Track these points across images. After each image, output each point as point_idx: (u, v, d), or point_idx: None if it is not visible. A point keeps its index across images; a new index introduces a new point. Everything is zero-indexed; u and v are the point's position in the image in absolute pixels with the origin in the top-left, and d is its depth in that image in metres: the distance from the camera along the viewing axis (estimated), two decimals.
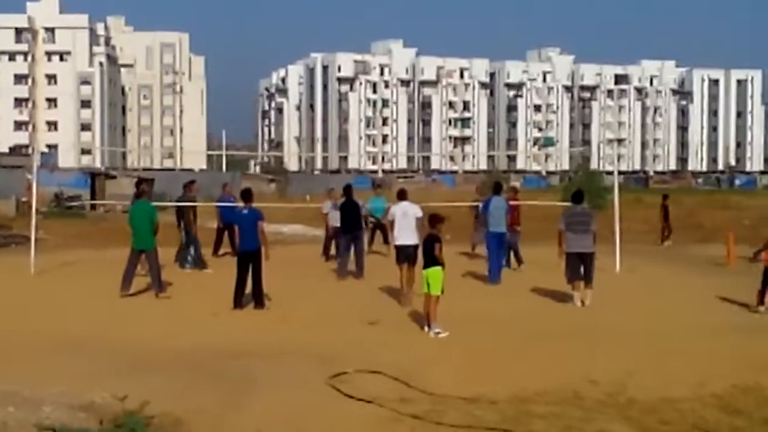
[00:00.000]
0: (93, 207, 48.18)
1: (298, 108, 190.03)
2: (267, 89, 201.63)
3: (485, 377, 11.07)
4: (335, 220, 23.31)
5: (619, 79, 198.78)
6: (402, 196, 18.67)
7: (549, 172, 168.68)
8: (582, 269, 17.33)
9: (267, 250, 16.69)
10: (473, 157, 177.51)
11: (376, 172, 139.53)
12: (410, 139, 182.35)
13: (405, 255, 17.35)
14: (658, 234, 32.84)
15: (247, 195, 17.37)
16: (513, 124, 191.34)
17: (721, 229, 31.19)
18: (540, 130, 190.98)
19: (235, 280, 16.69)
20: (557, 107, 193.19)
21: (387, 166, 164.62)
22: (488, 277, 20.56)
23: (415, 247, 16.94)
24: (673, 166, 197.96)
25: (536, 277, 20.22)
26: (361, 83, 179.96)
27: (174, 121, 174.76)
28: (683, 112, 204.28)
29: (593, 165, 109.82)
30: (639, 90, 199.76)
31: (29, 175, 34.18)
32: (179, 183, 26.10)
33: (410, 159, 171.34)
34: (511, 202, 23.16)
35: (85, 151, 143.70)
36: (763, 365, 11.66)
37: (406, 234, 17.55)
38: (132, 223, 18.62)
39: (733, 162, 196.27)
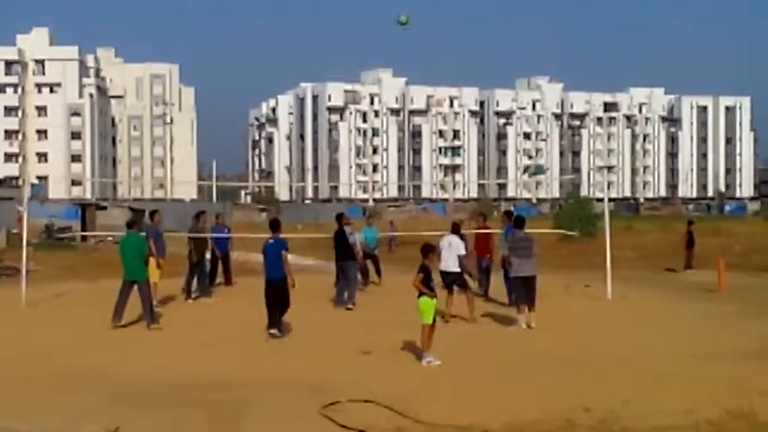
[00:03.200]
0: (84, 238, 48.07)
1: (289, 138, 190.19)
2: (257, 119, 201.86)
3: (478, 406, 11.05)
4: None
5: (609, 106, 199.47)
6: (455, 229, 19.95)
7: (539, 200, 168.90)
8: (526, 293, 17.81)
9: (292, 279, 16.98)
10: (464, 185, 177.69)
11: (366, 200, 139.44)
12: (401, 167, 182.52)
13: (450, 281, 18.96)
14: (681, 259, 32.61)
15: (275, 225, 17.70)
16: (503, 152, 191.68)
17: (711, 255, 31.20)
18: (530, 157, 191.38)
19: (267, 310, 16.91)
20: (547, 135, 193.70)
21: (378, 195, 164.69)
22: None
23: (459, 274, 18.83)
24: (663, 193, 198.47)
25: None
26: (351, 113, 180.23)
27: (164, 152, 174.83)
28: (673, 139, 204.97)
29: (583, 192, 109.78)
30: (628, 117, 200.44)
31: (20, 207, 34.14)
32: (171, 213, 26.11)
33: (401, 188, 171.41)
34: (481, 230, 23.39)
35: (76, 183, 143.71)
36: (756, 390, 11.65)
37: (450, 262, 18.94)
38: (122, 255, 18.59)
39: (722, 188, 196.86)
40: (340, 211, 28.44)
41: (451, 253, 18.84)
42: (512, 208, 36.04)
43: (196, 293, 23.20)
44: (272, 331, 16.65)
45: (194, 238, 23.63)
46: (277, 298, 16.86)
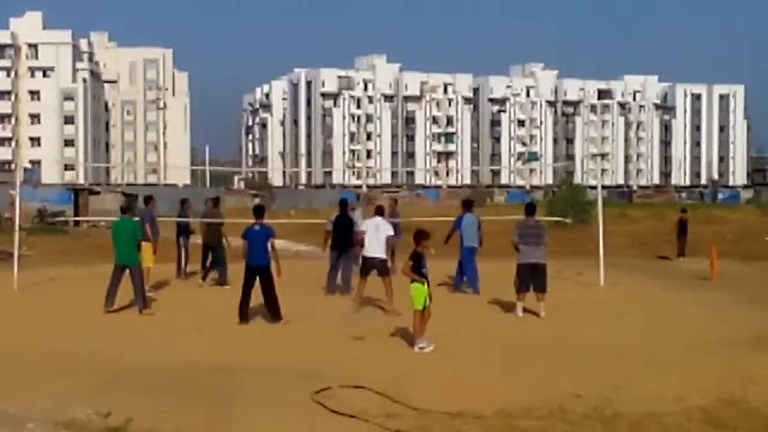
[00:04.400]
0: (76, 223, 48.01)
1: (282, 123, 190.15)
2: (251, 104, 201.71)
3: (470, 392, 11.04)
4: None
5: (603, 94, 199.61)
6: (379, 211, 19.72)
7: (533, 187, 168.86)
8: (533, 281, 17.78)
9: (279, 267, 16.84)
10: (457, 172, 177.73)
11: (360, 187, 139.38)
12: (394, 154, 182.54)
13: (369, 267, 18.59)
14: (674, 247, 32.62)
15: (259, 211, 17.66)
16: (497, 139, 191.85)
17: (704, 243, 31.25)
18: (524, 144, 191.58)
19: (241, 294, 16.85)
20: (541, 122, 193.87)
21: (371, 181, 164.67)
22: (463, 289, 21.39)
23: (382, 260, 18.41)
24: (656, 181, 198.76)
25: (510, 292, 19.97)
26: (344, 99, 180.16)
27: (158, 137, 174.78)
28: (666, 127, 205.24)
29: (577, 179, 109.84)
30: (622, 105, 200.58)
31: (12, 191, 34.03)
32: (164, 198, 26.11)
33: (394, 174, 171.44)
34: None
35: (69, 167, 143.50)
36: (747, 377, 11.67)
37: (374, 247, 18.52)
38: (115, 240, 18.52)
39: (716, 176, 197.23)
40: (342, 196, 28.37)
41: (378, 236, 18.57)
42: (530, 200, 35.73)
43: (212, 279, 23.13)
44: (244, 322, 16.61)
45: (207, 224, 23.87)
46: (264, 286, 16.77)
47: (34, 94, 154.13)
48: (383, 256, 18.46)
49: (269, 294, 16.83)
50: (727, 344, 14.38)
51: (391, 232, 18.75)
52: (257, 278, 16.83)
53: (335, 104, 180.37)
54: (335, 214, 22.23)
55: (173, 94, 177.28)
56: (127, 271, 18.19)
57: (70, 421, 9.31)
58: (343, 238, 21.53)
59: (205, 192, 66.39)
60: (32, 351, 13.81)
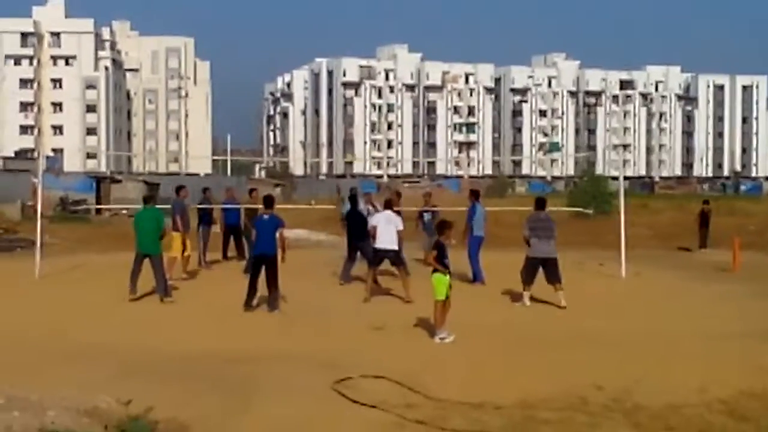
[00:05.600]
0: (98, 211, 48.15)
1: (303, 113, 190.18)
2: (272, 94, 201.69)
3: (490, 383, 11.03)
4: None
5: (625, 84, 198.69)
6: (389, 205, 19.63)
7: (554, 177, 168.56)
8: (546, 274, 17.82)
9: (284, 254, 16.90)
10: (478, 162, 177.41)
11: (381, 176, 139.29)
12: (415, 144, 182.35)
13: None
14: (696, 238, 32.48)
15: (269, 201, 17.75)
16: (518, 129, 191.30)
17: (726, 234, 31.09)
18: (545, 135, 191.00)
19: (248, 282, 17.00)
20: (562, 112, 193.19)
21: (392, 171, 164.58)
22: (475, 280, 21.20)
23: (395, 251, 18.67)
24: (678, 172, 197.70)
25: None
26: (366, 88, 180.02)
27: (179, 126, 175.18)
28: (689, 118, 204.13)
29: (598, 170, 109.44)
30: (644, 95, 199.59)
31: (35, 179, 34.21)
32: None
33: (415, 164, 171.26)
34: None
35: (91, 156, 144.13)
36: None
37: (386, 240, 18.71)
38: (137, 229, 18.55)
39: (738, 168, 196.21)
40: (353, 186, 28.45)
41: (389, 229, 18.69)
42: (542, 194, 35.43)
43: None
44: (249, 309, 16.78)
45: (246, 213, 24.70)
46: (268, 274, 16.85)
47: (57, 83, 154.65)
48: (395, 247, 18.63)
49: (272, 283, 16.90)
50: (749, 336, 14.31)
51: (401, 226, 18.82)
52: (264, 265, 16.94)
53: (356, 94, 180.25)
54: (347, 209, 22.36)
55: (195, 83, 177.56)
56: (148, 259, 18.23)
57: (91, 409, 9.33)
58: (356, 232, 21.43)
59: (226, 180, 66.48)
60: (53, 339, 13.87)
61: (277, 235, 16.98)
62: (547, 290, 17.87)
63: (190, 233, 22.41)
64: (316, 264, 24.88)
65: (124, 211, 43.98)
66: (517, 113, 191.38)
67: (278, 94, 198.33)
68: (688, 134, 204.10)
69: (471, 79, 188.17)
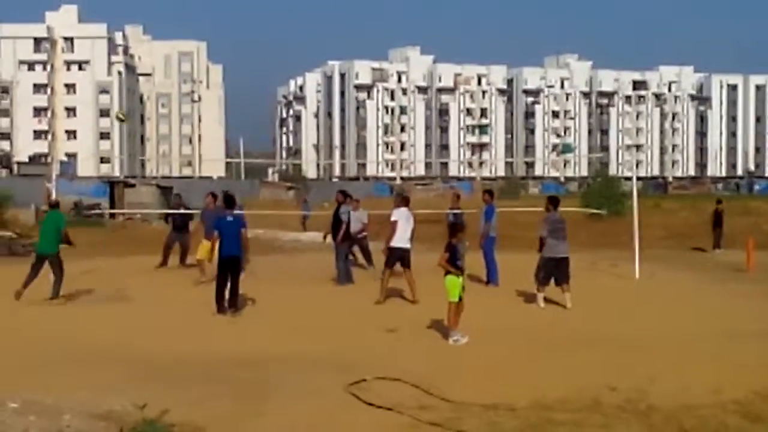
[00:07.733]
0: (112, 215, 48.25)
1: (316, 115, 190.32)
2: (285, 97, 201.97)
3: (504, 384, 11.02)
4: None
5: (637, 85, 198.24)
6: (406, 202, 19.43)
7: (567, 178, 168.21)
8: (557, 274, 17.78)
9: (248, 256, 16.87)
10: (491, 164, 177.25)
11: (394, 179, 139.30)
12: (428, 146, 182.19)
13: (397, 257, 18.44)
14: (709, 239, 32.42)
15: (230, 201, 17.68)
16: (531, 131, 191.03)
17: (740, 234, 31.02)
18: (558, 136, 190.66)
19: (216, 285, 16.92)
20: (575, 113, 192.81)
21: (405, 173, 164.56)
22: (490, 281, 21.13)
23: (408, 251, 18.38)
24: (692, 172, 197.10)
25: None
26: (378, 90, 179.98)
27: (192, 130, 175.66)
28: (702, 118, 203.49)
29: (612, 171, 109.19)
30: (657, 96, 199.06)
31: (49, 184, 34.27)
32: (198, 191, 26.21)
33: (428, 166, 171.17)
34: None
35: (104, 160, 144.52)
36: None
37: (404, 238, 18.45)
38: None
39: (752, 167, 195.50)
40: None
41: (408, 228, 18.56)
42: (554, 194, 35.30)
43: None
44: (222, 312, 16.63)
45: None
46: (232, 277, 16.78)
47: (70, 88, 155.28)
48: (409, 246, 18.54)
49: (235, 284, 16.83)
50: (764, 336, 14.27)
51: (413, 225, 18.83)
52: (231, 267, 16.84)
53: (369, 96, 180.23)
54: (348, 208, 22.47)
55: (207, 86, 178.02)
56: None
57: (106, 412, 9.37)
58: (334, 234, 21.74)
59: (240, 184, 66.55)
60: (67, 343, 13.89)
61: (241, 236, 16.94)
62: (554, 291, 17.84)
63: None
64: (326, 267, 24.88)
65: (138, 215, 44.06)
66: (529, 114, 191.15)
67: (291, 97, 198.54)
68: (701, 134, 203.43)
69: (483, 80, 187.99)
